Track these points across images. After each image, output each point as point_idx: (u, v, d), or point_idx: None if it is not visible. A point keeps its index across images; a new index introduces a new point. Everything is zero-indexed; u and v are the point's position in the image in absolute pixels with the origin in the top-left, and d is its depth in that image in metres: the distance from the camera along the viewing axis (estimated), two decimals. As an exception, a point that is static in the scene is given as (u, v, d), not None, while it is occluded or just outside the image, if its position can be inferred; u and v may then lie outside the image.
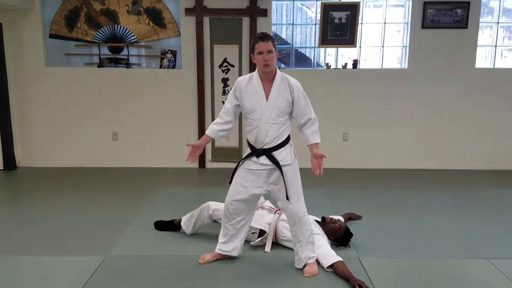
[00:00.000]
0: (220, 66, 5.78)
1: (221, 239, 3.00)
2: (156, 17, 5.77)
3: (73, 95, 5.83)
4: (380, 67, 6.01)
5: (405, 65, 5.90)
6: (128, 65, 5.88)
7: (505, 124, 5.95)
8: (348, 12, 5.59)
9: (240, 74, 5.72)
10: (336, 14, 5.62)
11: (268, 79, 2.71)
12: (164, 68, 5.89)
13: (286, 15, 6.08)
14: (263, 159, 2.74)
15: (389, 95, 5.89)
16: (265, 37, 2.65)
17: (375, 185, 5.22)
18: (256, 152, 2.75)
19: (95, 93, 5.85)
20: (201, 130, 5.85)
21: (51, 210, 4.15)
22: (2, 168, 5.72)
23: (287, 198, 2.74)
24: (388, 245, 3.38)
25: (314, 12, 5.96)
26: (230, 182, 2.89)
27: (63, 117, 5.88)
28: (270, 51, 2.63)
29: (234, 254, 3.01)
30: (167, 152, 5.96)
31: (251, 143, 2.80)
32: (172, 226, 3.56)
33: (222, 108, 2.85)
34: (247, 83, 2.75)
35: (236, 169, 2.88)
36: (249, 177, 2.79)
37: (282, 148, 2.74)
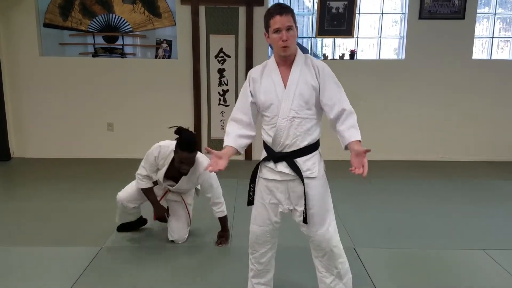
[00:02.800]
0: (216, 57, 5.72)
1: (249, 273, 2.37)
2: (151, 6, 5.70)
3: (68, 85, 5.77)
4: (378, 58, 5.99)
5: (402, 56, 5.87)
6: (123, 55, 5.81)
7: (502, 116, 5.94)
8: (346, 2, 5.54)
9: (236, 64, 5.69)
10: (333, 4, 5.57)
11: (287, 64, 2.09)
12: (159, 58, 5.83)
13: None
14: (282, 167, 2.09)
15: (386, 86, 5.86)
16: (283, 9, 1.98)
17: (371, 176, 5.17)
18: (275, 156, 2.10)
19: (89, 83, 5.78)
20: (197, 122, 5.82)
21: (46, 201, 4.13)
22: (-4, 159, 5.69)
23: (305, 221, 2.09)
24: (384, 235, 3.39)
25: (311, 2, 5.91)
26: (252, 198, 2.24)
27: (57, 107, 5.82)
28: (289, 28, 1.98)
29: None
30: (163, 143, 5.92)
31: (268, 144, 2.13)
32: (140, 222, 3.46)
33: (235, 109, 2.16)
34: (261, 72, 2.13)
35: (254, 177, 2.22)
36: (267, 192, 2.15)
37: (310, 155, 2.10)
